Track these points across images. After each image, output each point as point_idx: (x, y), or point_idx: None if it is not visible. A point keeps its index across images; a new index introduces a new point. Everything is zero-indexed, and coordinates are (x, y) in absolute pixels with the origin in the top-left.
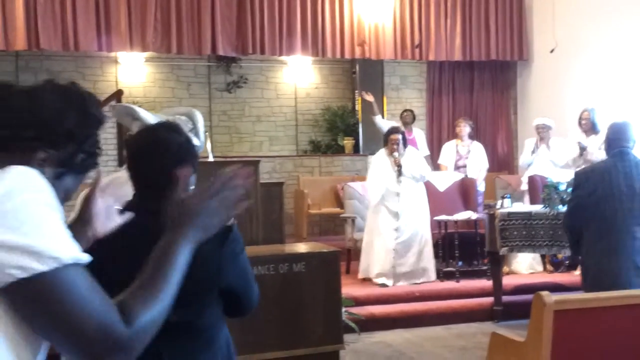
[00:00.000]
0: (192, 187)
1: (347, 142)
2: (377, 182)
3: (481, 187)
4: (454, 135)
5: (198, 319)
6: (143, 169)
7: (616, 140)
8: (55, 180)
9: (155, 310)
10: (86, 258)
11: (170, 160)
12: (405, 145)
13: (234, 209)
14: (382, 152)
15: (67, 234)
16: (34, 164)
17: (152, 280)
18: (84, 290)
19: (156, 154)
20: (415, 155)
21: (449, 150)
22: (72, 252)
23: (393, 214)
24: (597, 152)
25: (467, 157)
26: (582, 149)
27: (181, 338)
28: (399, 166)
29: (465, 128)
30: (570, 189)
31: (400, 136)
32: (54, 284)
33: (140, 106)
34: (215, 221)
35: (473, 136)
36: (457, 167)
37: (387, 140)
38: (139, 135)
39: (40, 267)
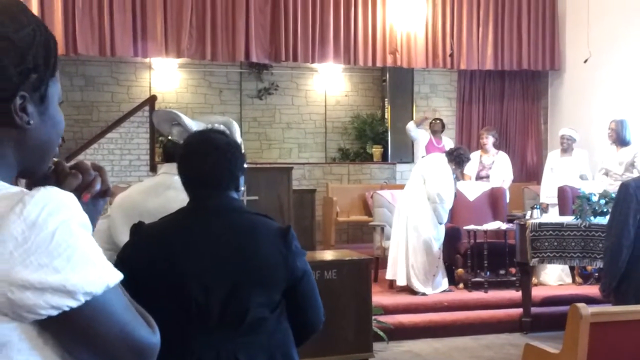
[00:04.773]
0: (242, 189)
1: (376, 150)
2: (450, 191)
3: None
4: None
5: (267, 316)
6: (194, 168)
7: None
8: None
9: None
10: (118, 278)
11: (220, 158)
12: None
13: None
14: (444, 162)
15: (98, 256)
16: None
17: None
18: (118, 311)
19: (206, 152)
20: None
21: (472, 159)
22: (105, 279)
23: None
24: (617, 167)
25: (491, 167)
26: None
27: (252, 336)
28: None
29: (488, 139)
30: (603, 200)
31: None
32: (86, 315)
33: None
34: None
35: (499, 146)
36: (479, 177)
37: (465, 162)
38: (189, 138)
39: (72, 303)
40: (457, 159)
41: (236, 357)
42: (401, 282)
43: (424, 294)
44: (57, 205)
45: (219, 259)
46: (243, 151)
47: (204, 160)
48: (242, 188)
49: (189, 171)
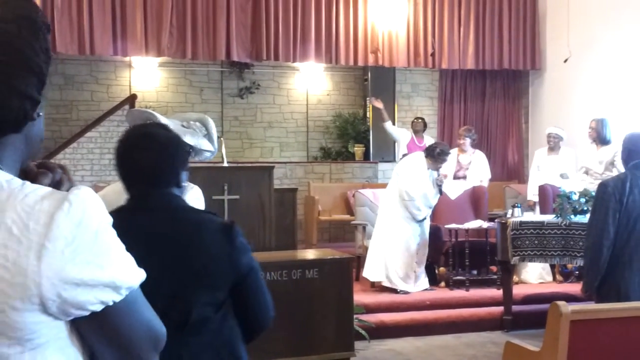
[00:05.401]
0: (185, 184)
1: (358, 149)
2: (420, 189)
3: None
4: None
5: (212, 315)
6: (133, 164)
7: (635, 151)
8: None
9: None
10: (144, 275)
11: (160, 154)
12: None
13: None
14: (421, 160)
15: (126, 253)
16: None
17: None
18: (143, 304)
19: (145, 147)
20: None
21: (449, 158)
22: (138, 275)
23: (417, 221)
24: (597, 166)
25: (468, 167)
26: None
27: (197, 336)
28: (440, 185)
29: (466, 140)
30: (583, 199)
31: (450, 154)
32: (124, 308)
33: (153, 111)
34: None
35: (478, 145)
36: (456, 177)
37: (440, 157)
38: (127, 132)
39: (117, 298)
40: (432, 152)
41: (180, 358)
42: (376, 278)
43: (405, 292)
44: (94, 205)
45: (160, 259)
46: (224, 149)
47: (144, 155)
48: (184, 184)
49: (127, 167)
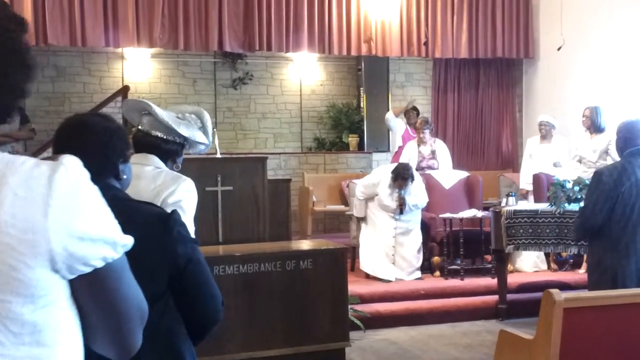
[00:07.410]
0: (125, 177)
1: (352, 140)
2: (369, 188)
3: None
4: (435, 134)
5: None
6: (68, 152)
7: (631, 139)
8: None
9: None
10: (133, 239)
11: (94, 144)
12: (412, 180)
13: None
14: (389, 175)
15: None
16: None
17: None
18: (131, 276)
19: (81, 136)
20: (417, 187)
21: (410, 151)
22: (129, 237)
23: (391, 216)
24: (591, 154)
25: (432, 156)
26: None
27: None
28: (401, 205)
29: (425, 133)
30: (577, 187)
31: (409, 179)
32: (118, 268)
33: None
34: None
35: (435, 134)
36: (420, 168)
37: (395, 180)
38: (63, 122)
39: (115, 255)
40: (392, 172)
41: None
42: (362, 267)
43: (388, 281)
44: (84, 170)
45: None
46: (217, 141)
47: (77, 144)
48: (124, 176)
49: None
